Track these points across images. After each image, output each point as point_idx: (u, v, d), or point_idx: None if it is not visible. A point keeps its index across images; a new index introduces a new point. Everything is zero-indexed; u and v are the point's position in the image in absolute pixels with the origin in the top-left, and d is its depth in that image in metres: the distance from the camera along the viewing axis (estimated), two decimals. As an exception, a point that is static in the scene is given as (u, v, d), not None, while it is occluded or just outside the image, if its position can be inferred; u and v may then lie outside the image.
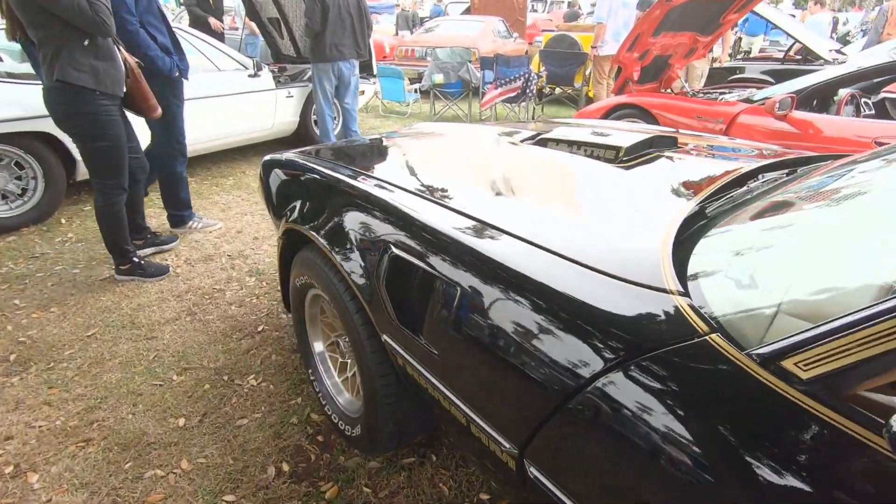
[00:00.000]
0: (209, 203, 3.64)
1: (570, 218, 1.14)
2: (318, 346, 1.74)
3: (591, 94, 6.88)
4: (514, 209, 1.18)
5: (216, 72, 4.03)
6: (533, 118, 6.50)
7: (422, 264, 1.07)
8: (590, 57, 6.34)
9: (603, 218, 1.11)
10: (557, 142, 1.65)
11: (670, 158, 1.50)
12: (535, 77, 5.70)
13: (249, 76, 4.15)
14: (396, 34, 11.22)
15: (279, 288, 2.30)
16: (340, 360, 1.67)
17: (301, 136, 4.86)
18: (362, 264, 1.22)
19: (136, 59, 2.29)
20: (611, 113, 4.41)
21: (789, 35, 6.03)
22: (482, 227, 1.06)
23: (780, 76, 6.05)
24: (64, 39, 1.95)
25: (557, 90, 7.21)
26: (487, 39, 8.19)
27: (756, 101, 3.60)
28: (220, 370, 1.93)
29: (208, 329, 2.18)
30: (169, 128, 2.78)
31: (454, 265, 1.01)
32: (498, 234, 1.03)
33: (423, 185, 1.34)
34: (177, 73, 2.71)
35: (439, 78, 6.22)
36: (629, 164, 1.43)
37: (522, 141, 1.77)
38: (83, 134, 2.12)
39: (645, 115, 4.15)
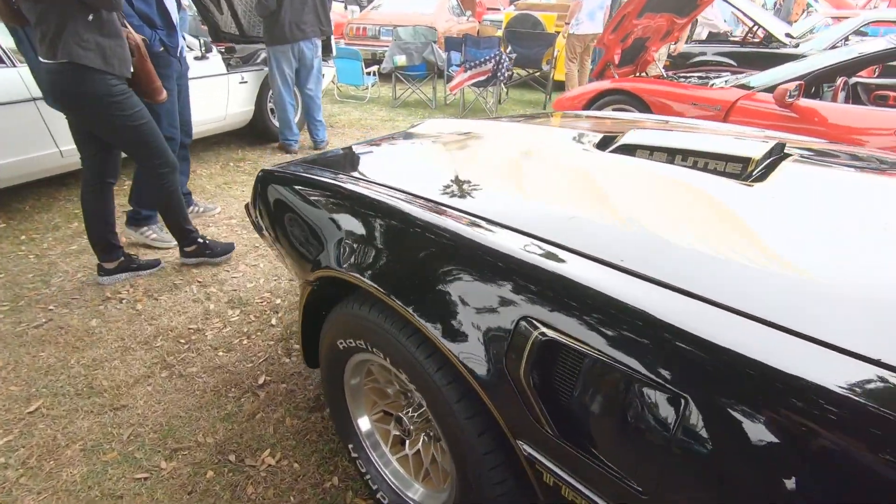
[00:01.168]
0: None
1: (783, 272, 0.84)
2: (364, 422, 1.36)
3: (556, 77, 6.68)
4: (707, 264, 0.85)
5: (155, 53, 3.38)
6: (499, 102, 6.21)
7: (605, 357, 0.73)
8: (563, 35, 6.11)
9: (802, 268, 0.83)
10: (652, 150, 1.35)
11: (809, 170, 1.25)
12: (507, 59, 5.38)
13: (196, 59, 3.53)
14: (346, 8, 10.44)
15: (299, 342, 1.88)
16: (399, 433, 1.31)
17: (257, 127, 4.28)
18: (483, 343, 0.87)
19: (142, 36, 2.02)
20: (597, 99, 4.19)
21: (750, 18, 6.08)
22: (693, 301, 0.73)
23: (741, 59, 6.13)
24: (66, 14, 1.72)
25: (521, 72, 6.94)
26: (443, 17, 7.74)
27: (754, 87, 3.50)
28: (222, 447, 1.51)
29: (193, 387, 1.73)
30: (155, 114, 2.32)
31: (665, 360, 0.69)
32: (726, 314, 0.70)
33: (543, 223, 0.98)
34: (160, 48, 2.36)
35: (402, 59, 5.75)
36: (763, 180, 1.16)
37: (597, 146, 1.46)
38: (101, 118, 1.91)
39: (635, 101, 3.97)
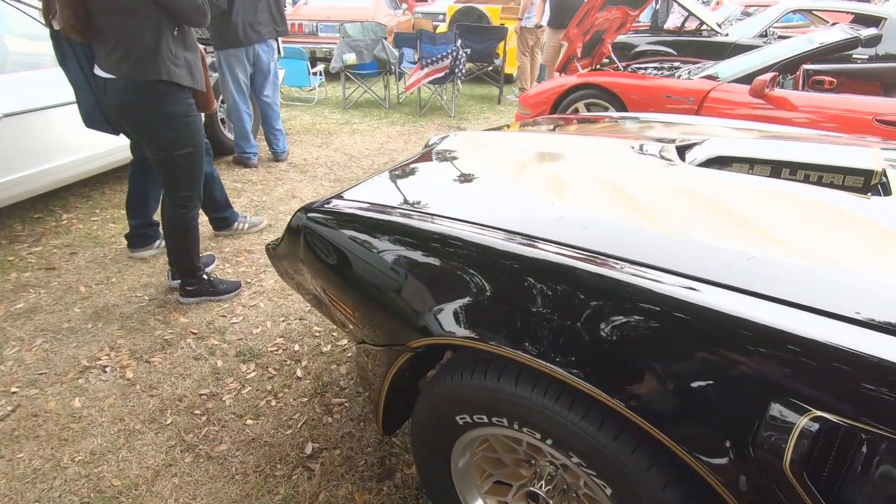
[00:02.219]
0: (110, 251, 2.62)
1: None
2: (475, 500, 1.18)
3: (506, 71, 6.62)
4: None
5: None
6: (451, 99, 6.06)
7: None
8: (515, 29, 6.05)
9: None
10: (752, 163, 1.27)
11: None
12: (464, 55, 5.23)
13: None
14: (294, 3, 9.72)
15: (376, 413, 1.64)
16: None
17: (209, 140, 3.81)
18: (712, 425, 0.73)
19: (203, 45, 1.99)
20: (567, 94, 4.16)
21: (684, 8, 6.34)
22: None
23: (679, 48, 6.40)
24: (159, 29, 1.62)
25: (471, 67, 6.81)
26: (382, 11, 7.42)
27: (721, 78, 3.61)
28: (291, 544, 1.27)
29: (230, 470, 1.45)
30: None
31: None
32: None
33: (731, 270, 0.84)
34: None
35: (351, 58, 5.41)
36: (891, 193, 1.11)
37: (681, 158, 1.36)
38: (169, 140, 1.78)
39: (607, 95, 3.98)
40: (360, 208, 1.23)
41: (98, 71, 1.73)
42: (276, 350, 1.94)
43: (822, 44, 3.24)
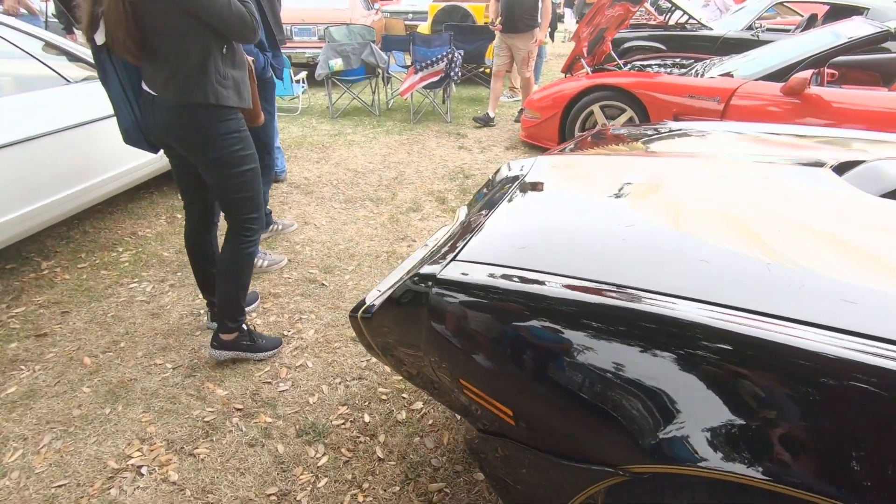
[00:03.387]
0: (110, 305, 2.23)
1: None
2: None
3: (486, 71, 6.39)
4: None
5: (62, 84, 2.46)
6: (443, 103, 5.78)
7: None
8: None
9: None
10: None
11: None
12: (458, 57, 4.96)
13: (119, 87, 2.65)
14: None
15: None
16: None
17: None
18: None
19: (252, 58, 1.84)
20: (581, 96, 3.97)
21: (672, 3, 6.28)
22: None
23: (669, 43, 6.34)
24: (208, 49, 1.56)
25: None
26: (358, 11, 7.05)
27: (745, 76, 3.50)
28: None
29: None
30: (259, 139, 2.18)
31: None
32: None
33: None
34: (269, 73, 2.38)
35: (338, 64, 5.05)
36: None
37: (861, 189, 1.16)
38: (223, 160, 1.68)
39: (623, 96, 3.81)
40: (514, 278, 0.97)
41: (145, 86, 1.66)
42: (343, 423, 1.65)
43: (850, 38, 3.16)
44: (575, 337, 0.86)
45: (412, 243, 2.83)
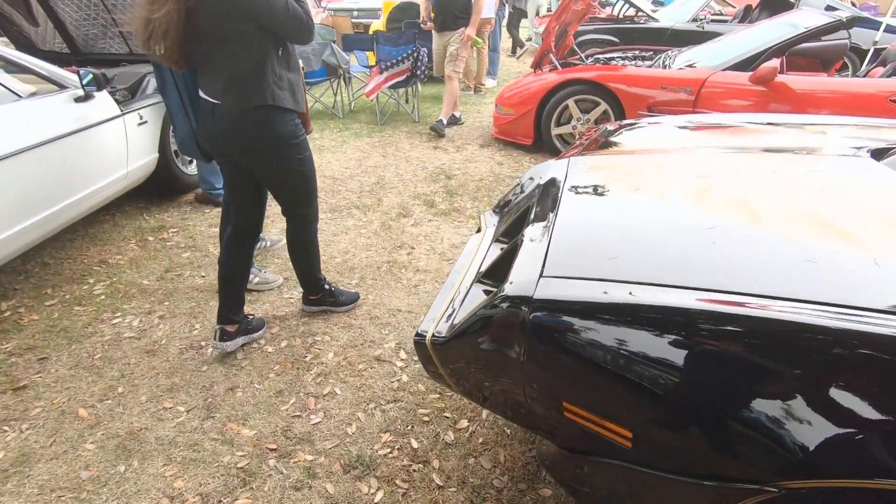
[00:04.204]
0: (94, 346, 2.00)
1: None
2: None
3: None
4: None
5: (13, 101, 2.17)
6: (407, 101, 5.66)
7: None
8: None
9: None
10: None
11: None
12: (424, 55, 4.86)
13: (77, 100, 2.37)
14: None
15: None
16: None
17: (161, 178, 3.15)
18: None
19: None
20: (556, 91, 3.99)
21: (623, -4, 6.46)
22: None
23: (621, 35, 6.53)
24: (265, 52, 1.54)
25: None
26: (311, 10, 6.76)
27: (711, 66, 3.63)
28: None
29: None
30: None
31: None
32: None
33: None
34: None
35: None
36: None
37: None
38: (282, 163, 1.72)
39: (597, 90, 3.86)
40: (629, 293, 0.92)
41: (203, 95, 1.67)
42: (390, 452, 1.55)
43: (807, 28, 3.35)
44: (717, 352, 0.83)
45: (411, 251, 2.74)
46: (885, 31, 4.99)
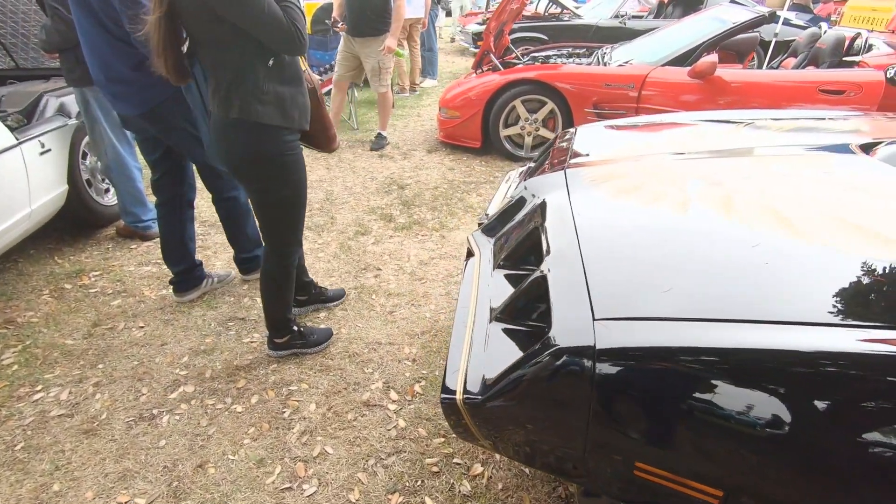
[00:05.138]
0: (13, 433, 1.64)
1: None
2: None
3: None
4: None
5: None
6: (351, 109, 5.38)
7: None
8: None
9: None
10: None
11: None
12: (359, 58, 4.60)
13: (-43, 131, 1.94)
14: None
15: None
16: None
17: (75, 213, 2.71)
18: None
19: (318, 77, 1.87)
20: (501, 92, 3.91)
21: (546, -7, 6.54)
22: None
23: (549, 33, 6.62)
24: (246, 60, 1.42)
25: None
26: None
27: (643, 62, 3.71)
28: None
29: None
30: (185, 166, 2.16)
31: None
32: None
33: None
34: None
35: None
36: None
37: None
38: (263, 183, 1.59)
39: (543, 89, 3.84)
40: (699, 333, 0.81)
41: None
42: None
43: (735, 23, 3.51)
44: (822, 389, 0.74)
45: (378, 272, 2.54)
46: (783, 24, 5.42)
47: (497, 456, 1.53)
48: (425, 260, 2.65)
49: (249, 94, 1.45)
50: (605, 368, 0.83)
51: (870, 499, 0.73)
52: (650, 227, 1.16)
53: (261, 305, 2.26)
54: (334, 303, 2.27)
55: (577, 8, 6.92)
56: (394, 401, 1.75)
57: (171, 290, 2.30)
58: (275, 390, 1.79)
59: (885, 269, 0.90)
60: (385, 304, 2.30)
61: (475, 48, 7.15)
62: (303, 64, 1.61)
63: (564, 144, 1.93)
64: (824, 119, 1.86)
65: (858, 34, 3.61)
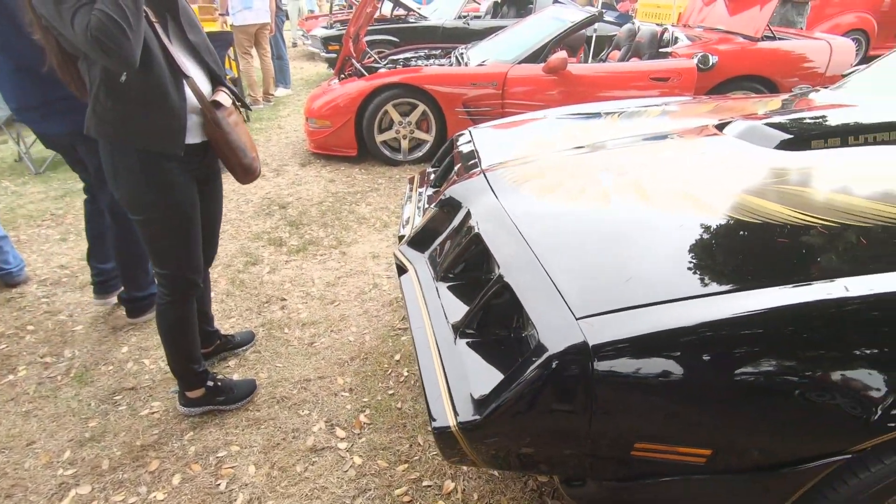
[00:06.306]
0: None
1: None
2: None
3: (236, 72, 5.63)
4: None
5: None
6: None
7: None
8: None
9: None
10: (825, 137, 1.46)
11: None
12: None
13: None
14: None
15: None
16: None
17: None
18: None
19: (231, 94, 1.49)
20: (371, 97, 3.84)
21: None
22: None
23: (400, 35, 6.67)
24: (96, 76, 1.28)
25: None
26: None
27: (499, 61, 3.95)
28: None
29: None
30: None
31: None
32: None
33: None
34: None
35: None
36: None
37: (778, 147, 1.46)
38: (123, 199, 1.45)
39: (413, 92, 3.86)
40: (685, 310, 0.89)
41: None
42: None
43: (573, 21, 3.90)
44: (777, 345, 0.86)
45: (284, 304, 2.34)
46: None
47: (465, 468, 1.52)
48: (332, 281, 2.51)
49: (92, 109, 1.34)
50: (602, 363, 0.86)
51: (821, 424, 0.87)
52: (587, 222, 1.24)
53: (151, 367, 1.96)
54: (243, 347, 2.04)
55: (419, 9, 7.08)
56: (342, 438, 1.63)
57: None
58: (200, 462, 1.55)
59: (789, 230, 1.08)
60: (301, 336, 2.12)
61: (327, 53, 6.92)
62: (223, 95, 1.46)
63: (466, 148, 1.97)
64: (686, 103, 2.17)
65: (666, 28, 4.26)
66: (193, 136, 1.44)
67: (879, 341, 0.86)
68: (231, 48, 5.07)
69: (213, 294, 2.40)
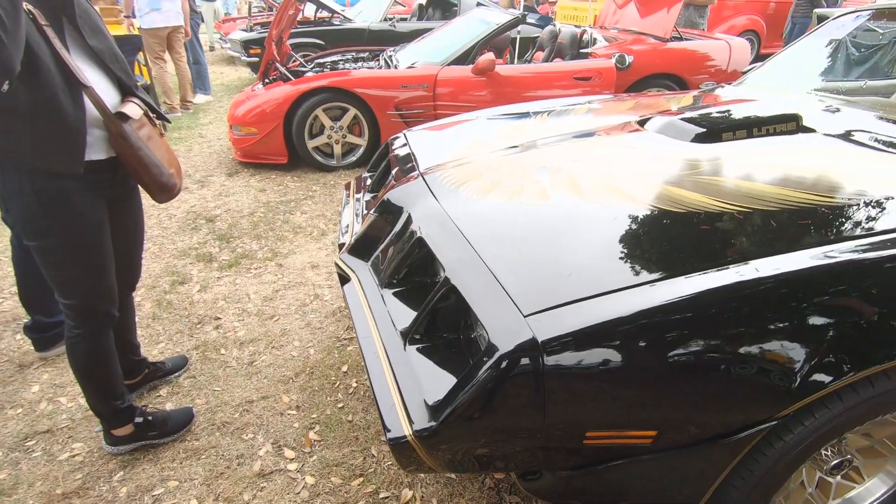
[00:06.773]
0: None
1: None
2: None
3: (148, 79, 5.25)
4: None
5: None
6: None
7: None
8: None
9: None
10: (734, 130, 1.59)
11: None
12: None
13: None
14: None
15: None
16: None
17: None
18: None
19: (144, 105, 1.37)
20: (300, 102, 3.72)
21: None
22: None
23: (326, 38, 6.52)
24: None
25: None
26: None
27: (428, 63, 3.97)
28: None
29: None
30: None
31: None
32: None
33: None
34: None
35: None
36: (819, 130, 1.61)
37: (695, 140, 1.56)
38: (17, 226, 1.32)
39: (343, 96, 3.79)
40: (619, 302, 0.92)
41: None
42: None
43: (498, 24, 3.98)
44: (704, 327, 0.92)
45: (218, 322, 2.21)
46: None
47: (422, 475, 1.51)
48: (269, 295, 2.40)
49: None
50: (552, 357, 0.88)
51: (748, 394, 0.94)
52: (527, 220, 1.26)
53: (69, 405, 1.79)
54: (175, 374, 1.90)
55: (343, 11, 6.95)
56: (291, 459, 1.56)
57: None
58: None
59: (708, 217, 1.16)
60: (240, 355, 2.01)
61: (248, 57, 6.62)
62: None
63: (402, 152, 1.95)
64: (608, 101, 2.27)
65: (584, 30, 4.47)
66: (97, 152, 1.30)
67: (790, 315, 0.94)
68: (141, 53, 4.71)
69: (137, 319, 2.22)
